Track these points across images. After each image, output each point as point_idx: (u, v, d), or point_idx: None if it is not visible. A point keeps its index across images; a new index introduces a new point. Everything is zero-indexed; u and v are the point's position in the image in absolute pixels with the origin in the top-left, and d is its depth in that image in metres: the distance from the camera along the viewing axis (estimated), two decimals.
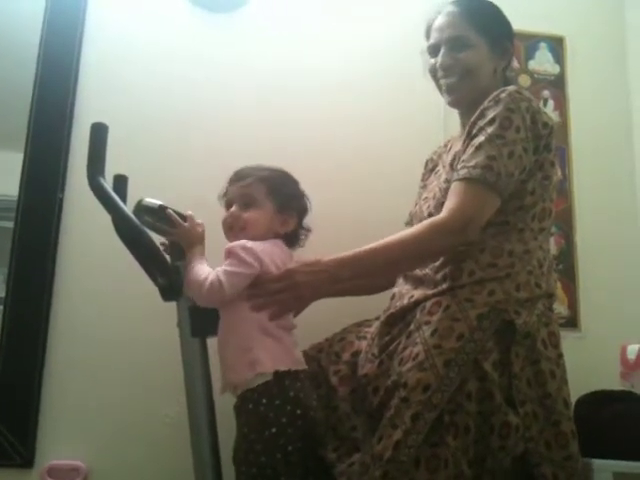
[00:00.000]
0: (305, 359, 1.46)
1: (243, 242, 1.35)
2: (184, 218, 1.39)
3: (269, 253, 1.37)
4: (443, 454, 1.18)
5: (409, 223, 1.57)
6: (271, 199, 1.43)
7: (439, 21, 1.52)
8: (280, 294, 1.33)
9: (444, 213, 1.32)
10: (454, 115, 1.62)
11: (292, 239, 1.48)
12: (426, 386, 1.22)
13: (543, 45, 2.19)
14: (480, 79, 1.48)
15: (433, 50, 1.53)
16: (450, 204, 1.32)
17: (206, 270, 1.33)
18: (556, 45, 2.20)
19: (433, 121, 2.00)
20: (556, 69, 2.18)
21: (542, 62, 2.18)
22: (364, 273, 1.39)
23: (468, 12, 1.49)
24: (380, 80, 2.05)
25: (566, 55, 2.19)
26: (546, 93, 2.15)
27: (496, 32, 1.51)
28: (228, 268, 1.32)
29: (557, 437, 1.26)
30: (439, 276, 1.36)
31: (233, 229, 1.42)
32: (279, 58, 2.02)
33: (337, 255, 1.34)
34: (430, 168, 1.66)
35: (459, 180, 1.33)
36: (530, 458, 1.24)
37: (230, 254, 1.34)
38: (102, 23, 1.95)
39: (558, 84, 2.17)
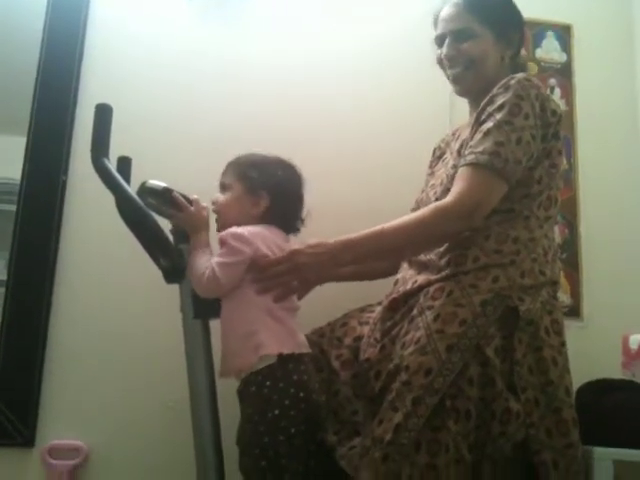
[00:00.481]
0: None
1: (234, 229, 1.36)
2: (190, 202, 1.39)
3: (261, 236, 1.37)
4: (444, 438, 1.18)
5: (415, 210, 1.57)
6: (240, 182, 1.44)
7: (445, 12, 1.52)
8: (283, 276, 1.33)
9: (450, 197, 1.31)
10: (459, 106, 1.62)
11: (283, 222, 1.46)
12: (428, 370, 1.22)
13: (550, 33, 2.18)
14: (486, 68, 1.48)
15: (439, 41, 1.54)
16: (456, 188, 1.32)
17: (204, 263, 1.33)
18: (563, 33, 2.18)
19: (439, 111, 1.99)
20: (563, 57, 2.17)
21: (549, 50, 2.17)
22: (367, 256, 1.38)
23: (472, 3, 1.49)
24: (386, 70, 2.04)
25: (573, 43, 2.18)
26: (553, 81, 2.14)
27: (501, 21, 1.50)
28: (220, 259, 1.33)
29: (558, 425, 1.26)
30: (443, 261, 1.36)
31: (215, 214, 1.46)
32: (283, 47, 2.01)
33: (341, 238, 1.33)
34: (438, 155, 1.66)
35: (466, 165, 1.33)
36: (530, 445, 1.24)
37: (222, 243, 1.35)
38: (106, 7, 1.94)
39: (565, 72, 2.16)
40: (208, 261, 1.34)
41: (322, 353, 1.49)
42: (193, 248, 1.37)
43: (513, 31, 1.52)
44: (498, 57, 1.49)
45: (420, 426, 1.19)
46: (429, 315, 1.28)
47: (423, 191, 1.59)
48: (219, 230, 1.44)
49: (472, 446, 1.20)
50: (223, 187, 1.47)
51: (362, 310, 1.57)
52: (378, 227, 1.32)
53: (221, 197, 1.46)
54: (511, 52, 1.52)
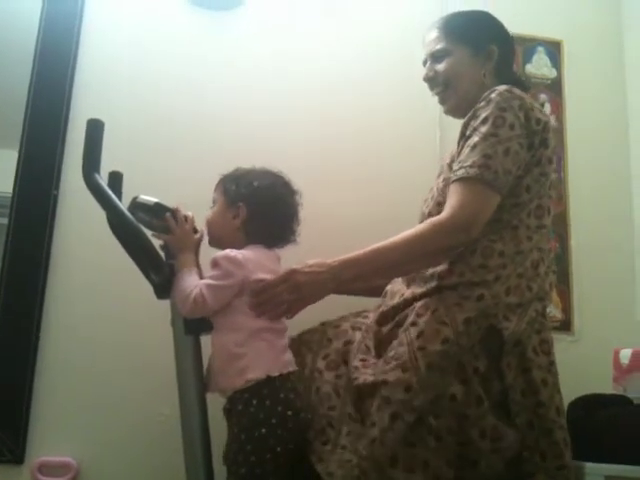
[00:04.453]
0: (296, 342, 1.45)
1: (227, 252, 1.36)
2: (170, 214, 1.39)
3: (253, 259, 1.37)
4: (422, 454, 1.18)
5: None
6: (222, 196, 1.47)
7: (426, 35, 1.57)
8: (282, 297, 1.32)
9: (445, 212, 1.32)
10: (451, 117, 1.63)
11: (269, 235, 1.45)
12: (408, 387, 1.22)
13: (540, 49, 2.19)
14: (465, 85, 1.51)
15: (424, 64, 1.58)
16: (450, 203, 1.32)
17: (191, 283, 1.33)
18: (553, 49, 2.20)
19: (428, 124, 2.01)
20: (553, 73, 2.19)
21: (539, 66, 2.18)
22: (367, 274, 1.38)
23: (447, 24, 1.54)
24: (377, 81, 2.05)
25: (563, 59, 2.20)
26: (543, 97, 2.15)
27: (477, 37, 1.52)
28: (211, 282, 1.33)
29: (551, 446, 1.26)
30: (429, 273, 1.36)
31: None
32: (279, 57, 2.02)
33: (340, 257, 1.33)
34: (437, 174, 1.66)
35: (457, 180, 1.33)
36: (525, 467, 1.24)
37: (214, 264, 1.36)
38: (99, 20, 1.94)
39: (555, 88, 2.18)
40: (195, 281, 1.34)
41: (310, 351, 1.46)
42: (178, 269, 1.37)
43: (490, 44, 1.52)
44: (478, 73, 1.51)
45: (396, 442, 1.18)
46: (413, 332, 1.28)
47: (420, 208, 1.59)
48: (210, 244, 1.46)
49: (453, 462, 1.20)
50: (213, 204, 1.50)
51: (357, 315, 1.56)
52: (376, 245, 1.33)
53: (209, 214, 1.48)
54: (491, 65, 1.52)
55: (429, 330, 1.27)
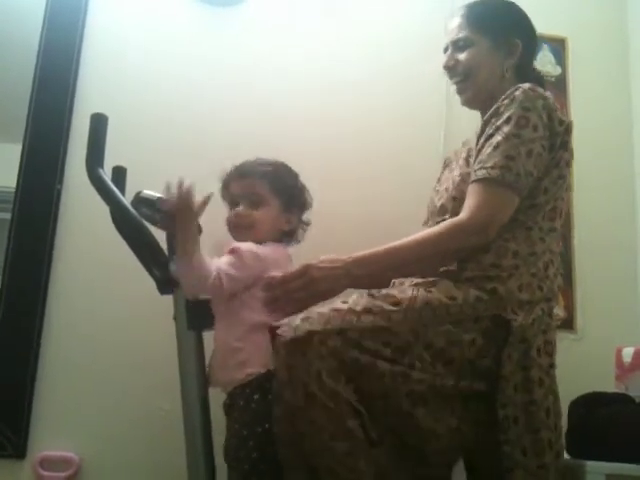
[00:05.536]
0: None
1: (250, 246, 1.36)
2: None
3: (270, 257, 1.38)
4: (365, 360, 1.15)
5: (426, 223, 1.55)
6: (276, 196, 1.45)
7: (449, 23, 1.54)
8: (298, 292, 1.31)
9: (464, 213, 1.31)
10: (455, 115, 1.62)
11: (291, 236, 1.49)
12: (395, 303, 1.21)
13: (545, 46, 2.18)
14: (485, 78, 1.48)
15: (444, 52, 1.55)
16: (469, 204, 1.31)
17: (210, 265, 1.31)
18: (558, 46, 2.20)
19: (431, 122, 2.00)
20: (558, 70, 2.19)
21: (544, 63, 2.17)
22: (382, 272, 1.36)
23: (471, 13, 1.50)
24: (377, 81, 2.05)
25: (568, 56, 2.19)
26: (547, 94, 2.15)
27: (500, 28, 1.49)
28: (232, 272, 1.32)
29: (534, 445, 1.25)
30: (441, 270, 1.35)
31: (239, 227, 1.44)
32: (281, 54, 2.02)
33: (356, 253, 1.32)
34: (446, 165, 1.66)
35: (477, 181, 1.32)
36: (504, 462, 1.23)
37: (235, 253, 1.35)
38: (103, 14, 1.94)
39: (559, 85, 2.17)
40: (214, 263, 1.32)
41: None
42: (183, 240, 1.29)
43: (514, 37, 1.49)
44: (498, 66, 1.48)
45: (356, 330, 1.16)
46: (422, 285, 1.28)
47: (431, 200, 1.58)
48: (240, 239, 1.43)
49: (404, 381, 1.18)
50: (252, 198, 1.44)
51: None
52: (393, 243, 1.32)
53: (255, 212, 1.43)
54: (514, 60, 1.49)
55: (441, 285, 1.28)
